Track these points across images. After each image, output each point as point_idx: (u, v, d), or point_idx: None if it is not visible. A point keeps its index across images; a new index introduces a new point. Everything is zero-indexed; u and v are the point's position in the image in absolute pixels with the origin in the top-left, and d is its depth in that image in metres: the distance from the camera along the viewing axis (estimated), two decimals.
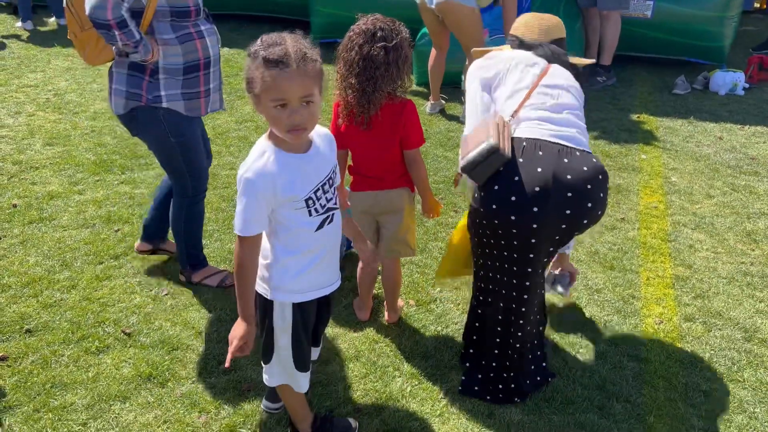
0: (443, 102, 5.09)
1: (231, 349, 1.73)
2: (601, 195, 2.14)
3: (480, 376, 2.37)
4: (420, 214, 2.62)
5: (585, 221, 2.14)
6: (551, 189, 2.06)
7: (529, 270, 2.20)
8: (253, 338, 1.77)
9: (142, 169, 3.97)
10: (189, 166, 2.63)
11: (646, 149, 4.49)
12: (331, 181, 1.78)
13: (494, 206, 2.10)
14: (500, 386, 2.33)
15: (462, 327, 2.69)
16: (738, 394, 2.38)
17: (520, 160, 2.10)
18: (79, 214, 3.46)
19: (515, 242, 2.14)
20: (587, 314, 2.80)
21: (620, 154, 4.40)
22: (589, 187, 2.09)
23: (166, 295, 2.85)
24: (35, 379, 2.35)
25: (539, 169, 2.07)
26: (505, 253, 2.18)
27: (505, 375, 2.33)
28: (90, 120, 4.69)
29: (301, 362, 1.91)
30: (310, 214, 1.73)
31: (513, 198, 2.07)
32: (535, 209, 2.06)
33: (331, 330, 2.65)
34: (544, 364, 2.42)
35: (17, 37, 6.70)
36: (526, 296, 2.24)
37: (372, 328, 2.68)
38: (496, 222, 2.12)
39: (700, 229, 3.49)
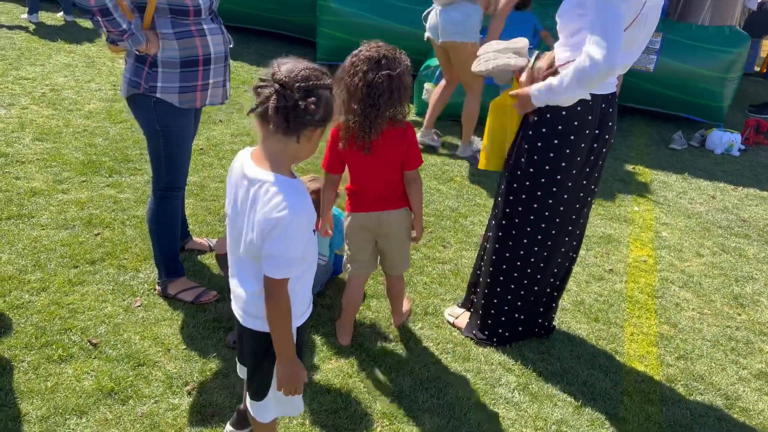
0: (435, 137, 5.03)
1: (295, 394, 1.75)
2: None
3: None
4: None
5: None
6: None
7: None
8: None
9: (131, 174, 3.90)
10: (168, 157, 2.70)
11: (639, 201, 4.48)
12: None
13: None
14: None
15: (440, 368, 2.62)
16: None
17: None
18: (60, 213, 3.37)
19: None
20: (567, 366, 2.74)
21: (613, 204, 4.38)
22: None
23: (139, 306, 2.76)
24: None
25: None
26: None
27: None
28: (84, 119, 4.62)
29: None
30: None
31: None
32: None
33: (304, 361, 2.57)
34: None
35: (22, 28, 6.66)
36: None
37: (347, 361, 2.60)
38: None
39: (688, 288, 3.45)
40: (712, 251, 3.89)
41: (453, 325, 2.92)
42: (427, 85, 5.30)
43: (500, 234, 2.68)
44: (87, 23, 7.14)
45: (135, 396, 2.29)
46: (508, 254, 2.68)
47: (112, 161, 4.02)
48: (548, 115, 2.45)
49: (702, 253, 3.85)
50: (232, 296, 1.82)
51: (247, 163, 1.64)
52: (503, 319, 2.77)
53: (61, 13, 7.23)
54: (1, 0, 7.64)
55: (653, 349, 2.92)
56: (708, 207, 4.51)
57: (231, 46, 2.73)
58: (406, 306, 2.88)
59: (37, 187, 3.60)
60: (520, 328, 2.80)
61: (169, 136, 2.66)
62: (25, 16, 6.95)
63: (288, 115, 1.52)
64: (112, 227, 3.32)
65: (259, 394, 1.83)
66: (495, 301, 2.76)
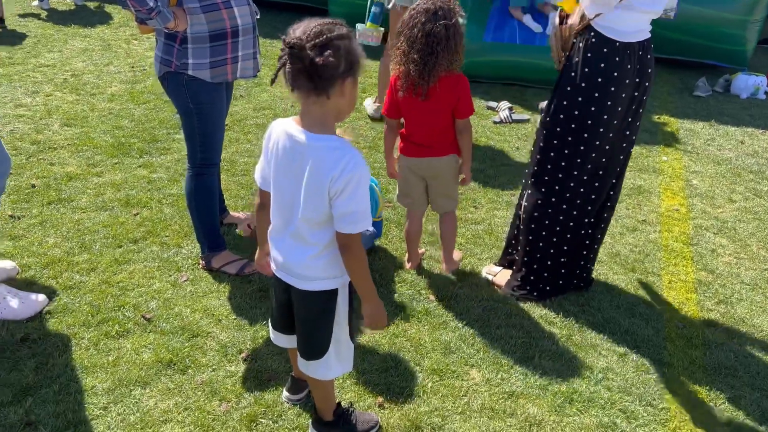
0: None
1: (382, 328, 1.94)
2: None
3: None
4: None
5: None
6: None
7: None
8: None
9: (161, 154, 3.95)
10: (202, 134, 2.73)
11: (667, 151, 4.45)
12: None
13: None
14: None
15: (483, 324, 2.67)
16: (762, 404, 2.36)
17: None
18: (97, 196, 3.44)
19: None
20: (608, 316, 2.77)
21: (641, 155, 4.35)
22: None
23: (186, 281, 2.83)
24: (55, 361, 2.34)
25: None
26: None
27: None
28: (107, 102, 4.66)
29: (353, 334, 1.95)
30: None
31: None
32: None
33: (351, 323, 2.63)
34: None
35: (35, 15, 6.67)
36: None
37: (392, 322, 2.65)
38: None
39: (723, 234, 3.45)
40: (744, 196, 3.87)
41: (492, 283, 2.96)
42: (359, 26, 4.62)
43: (542, 190, 2.69)
44: (97, 6, 7.13)
45: (193, 365, 2.37)
46: (550, 210, 2.69)
47: (141, 142, 4.07)
48: (586, 69, 2.45)
49: (734, 198, 3.84)
50: (276, 267, 1.86)
51: (295, 131, 1.66)
52: (545, 273, 2.81)
53: None
54: None
55: (692, 295, 2.95)
56: (737, 152, 4.46)
57: (258, 17, 2.73)
58: (457, 255, 3.00)
59: (72, 172, 3.66)
60: (561, 282, 2.83)
61: (202, 113, 2.69)
62: (36, 3, 6.95)
63: (311, 75, 1.54)
64: (150, 206, 3.38)
65: (320, 353, 1.89)
66: (538, 255, 2.79)
